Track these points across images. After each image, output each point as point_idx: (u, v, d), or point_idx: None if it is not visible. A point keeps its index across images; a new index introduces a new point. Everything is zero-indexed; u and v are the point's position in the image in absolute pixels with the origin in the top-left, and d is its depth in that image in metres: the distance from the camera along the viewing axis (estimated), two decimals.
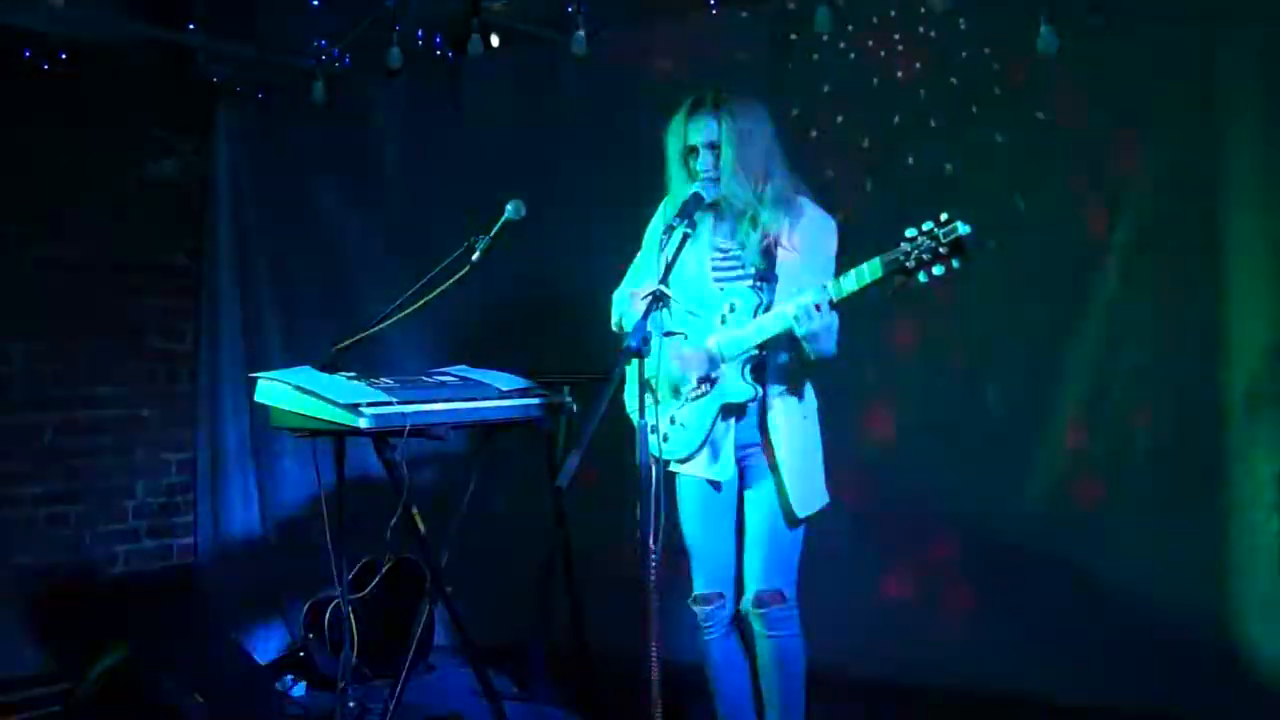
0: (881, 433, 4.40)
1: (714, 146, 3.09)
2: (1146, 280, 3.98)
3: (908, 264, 2.74)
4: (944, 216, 2.71)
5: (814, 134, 4.45)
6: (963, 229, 2.68)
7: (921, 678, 4.27)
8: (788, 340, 3.01)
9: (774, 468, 3.09)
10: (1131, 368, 4.01)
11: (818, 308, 2.86)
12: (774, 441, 3.09)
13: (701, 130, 3.10)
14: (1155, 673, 3.87)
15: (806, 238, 3.10)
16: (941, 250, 2.70)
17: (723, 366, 3.07)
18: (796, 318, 2.87)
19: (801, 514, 3.09)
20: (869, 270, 2.82)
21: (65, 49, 4.93)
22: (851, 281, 2.85)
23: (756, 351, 3.05)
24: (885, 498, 4.39)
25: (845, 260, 3.12)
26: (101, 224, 5.33)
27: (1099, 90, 4.03)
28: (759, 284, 3.09)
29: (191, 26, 4.88)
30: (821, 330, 2.89)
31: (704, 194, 3.06)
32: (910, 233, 2.75)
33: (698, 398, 3.11)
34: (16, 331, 5.04)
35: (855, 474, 4.36)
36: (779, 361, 3.10)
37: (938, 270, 2.73)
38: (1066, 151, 4.10)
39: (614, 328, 3.36)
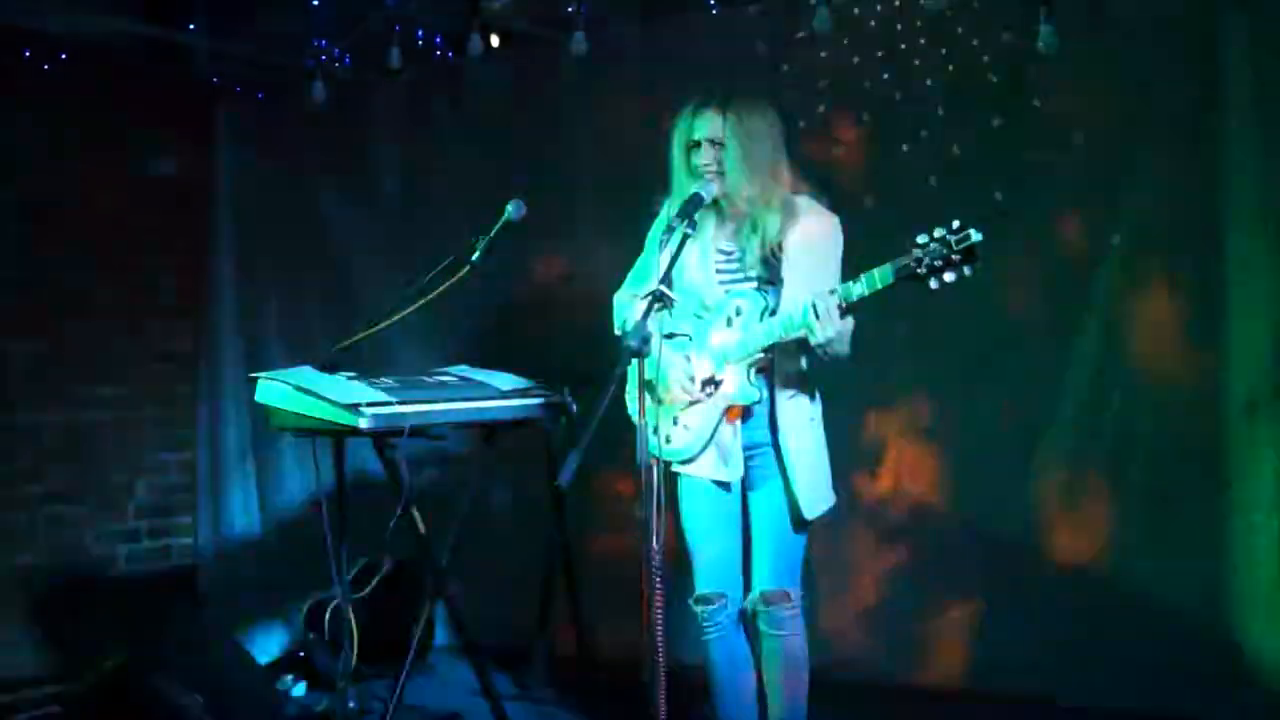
0: (882, 433, 4.40)
1: (717, 143, 3.08)
2: (1146, 280, 3.99)
3: (919, 270, 2.73)
4: (956, 224, 2.70)
5: (813, 134, 4.45)
6: (976, 236, 2.66)
7: (922, 678, 4.27)
8: (796, 343, 3.00)
9: (783, 470, 3.08)
10: (1132, 368, 4.01)
11: (829, 314, 2.85)
12: (783, 444, 3.08)
13: (706, 126, 3.09)
14: (1155, 673, 3.87)
15: (811, 239, 3.08)
16: (954, 257, 2.69)
17: (728, 369, 3.07)
18: (810, 326, 2.87)
19: (810, 516, 3.08)
20: (879, 276, 2.81)
21: (65, 49, 4.93)
22: (862, 287, 2.83)
23: (763, 354, 3.05)
24: (885, 498, 4.39)
25: (848, 260, 3.12)
26: (101, 224, 5.33)
27: (1098, 89, 4.03)
28: (764, 286, 3.09)
29: (191, 26, 4.88)
30: (836, 336, 2.88)
31: (704, 194, 3.05)
32: (921, 239, 2.73)
33: (703, 399, 3.11)
34: (16, 331, 5.04)
35: (856, 475, 4.37)
36: (787, 364, 3.09)
37: (949, 276, 2.71)
38: (1066, 151, 4.10)
39: (616, 330, 3.35)
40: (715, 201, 3.12)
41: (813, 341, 2.89)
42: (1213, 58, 3.83)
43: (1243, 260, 3.81)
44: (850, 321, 2.92)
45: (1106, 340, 4.04)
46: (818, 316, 2.85)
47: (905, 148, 4.33)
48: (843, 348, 2.95)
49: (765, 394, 3.07)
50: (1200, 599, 3.86)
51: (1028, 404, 4.17)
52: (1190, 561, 3.87)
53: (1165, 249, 3.95)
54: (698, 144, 3.11)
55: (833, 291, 2.87)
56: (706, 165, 3.09)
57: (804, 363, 3.08)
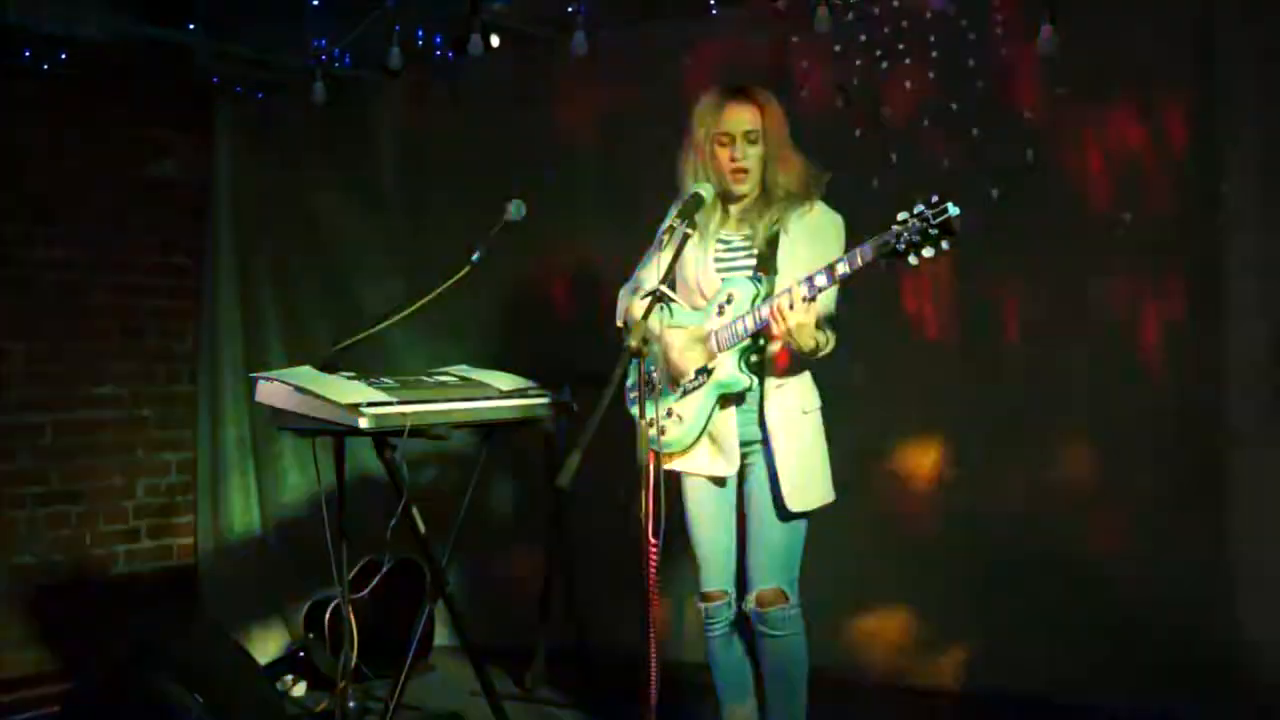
0: (882, 432, 4.40)
1: (751, 136, 3.09)
2: (1147, 280, 3.99)
3: (898, 246, 2.74)
4: (934, 198, 2.71)
5: (812, 133, 4.45)
6: (953, 210, 2.68)
7: (922, 678, 4.27)
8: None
9: (770, 462, 3.08)
10: (1132, 368, 4.01)
11: (791, 306, 2.86)
12: (770, 435, 3.08)
13: (741, 119, 3.09)
14: (1155, 673, 3.87)
15: (814, 232, 3.09)
16: (931, 231, 2.70)
17: (719, 357, 3.07)
18: (773, 315, 2.88)
19: (795, 509, 3.06)
20: (860, 254, 2.82)
21: (65, 49, 4.93)
22: (844, 265, 2.84)
23: (751, 341, 3.05)
24: (885, 497, 4.39)
25: None
26: (101, 224, 5.33)
27: (1098, 88, 4.03)
28: (758, 274, 3.09)
29: (191, 26, 4.88)
30: (795, 328, 2.88)
31: (704, 195, 3.06)
32: (901, 216, 2.75)
33: (695, 389, 3.11)
34: (16, 331, 5.04)
35: (855, 474, 4.36)
36: (775, 354, 3.10)
37: (927, 252, 2.72)
38: (1066, 149, 4.10)
39: (618, 323, 3.36)
40: (720, 194, 3.13)
41: (775, 331, 2.90)
42: (1213, 57, 3.83)
43: (1243, 260, 3.82)
44: (813, 315, 2.90)
45: (1107, 340, 4.04)
46: (780, 310, 2.86)
47: (903, 146, 4.34)
48: (805, 341, 2.92)
49: (754, 381, 3.07)
50: (1200, 599, 3.85)
51: (1028, 404, 4.17)
52: (1190, 561, 3.87)
53: (1165, 249, 3.95)
54: (731, 137, 3.10)
55: (799, 283, 2.87)
56: (739, 159, 3.08)
57: (792, 352, 3.07)
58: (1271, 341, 3.78)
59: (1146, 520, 3.96)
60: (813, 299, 2.87)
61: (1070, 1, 3.94)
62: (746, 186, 3.12)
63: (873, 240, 2.79)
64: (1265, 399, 3.79)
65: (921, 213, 2.71)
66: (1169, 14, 3.91)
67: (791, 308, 2.86)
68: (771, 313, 2.89)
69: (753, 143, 3.10)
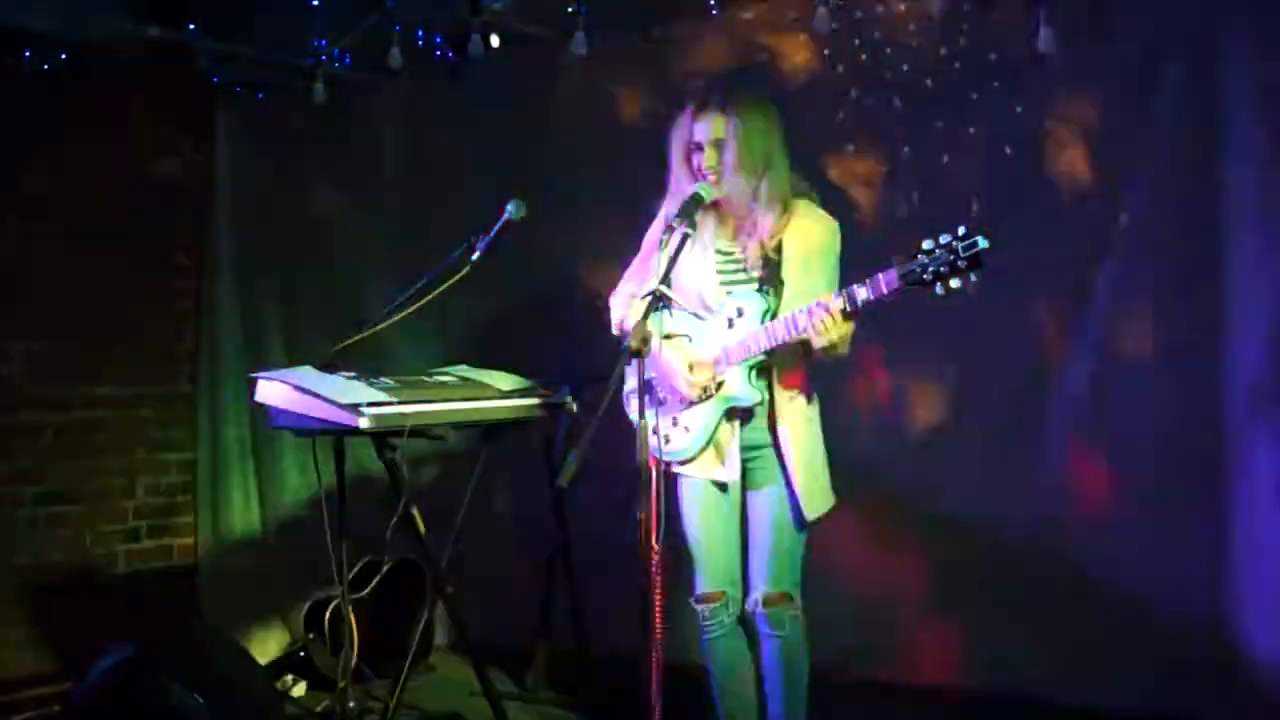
0: (882, 433, 4.40)
1: (719, 144, 3.08)
2: (1146, 279, 3.98)
3: (925, 276, 2.75)
4: (961, 230, 2.71)
5: (813, 133, 4.45)
6: (983, 244, 2.68)
7: (922, 678, 4.27)
8: (795, 345, 3.01)
9: (784, 470, 3.09)
10: (1132, 367, 4.01)
11: (833, 318, 2.87)
12: (783, 444, 3.09)
13: (709, 127, 3.08)
14: (1155, 673, 3.87)
15: (810, 241, 3.09)
16: (960, 264, 2.71)
17: (729, 370, 3.07)
18: (815, 330, 2.89)
19: (812, 516, 3.10)
20: (885, 281, 2.82)
21: (65, 49, 4.93)
22: (868, 292, 2.84)
23: (765, 356, 3.05)
24: (885, 498, 4.39)
25: (848, 262, 3.12)
26: (101, 224, 5.33)
27: (1098, 88, 4.03)
28: (765, 287, 3.09)
29: (191, 26, 4.88)
30: (839, 340, 2.91)
31: (704, 194, 3.06)
32: (927, 244, 2.74)
33: (703, 400, 3.11)
34: (16, 331, 5.04)
35: (856, 474, 4.36)
36: (786, 365, 3.10)
37: (955, 283, 2.73)
38: (1066, 149, 4.10)
39: (614, 329, 3.35)
40: (715, 202, 3.12)
41: (815, 346, 2.91)
42: (1213, 56, 3.83)
43: (1243, 260, 3.81)
44: (851, 324, 2.93)
45: (1107, 340, 4.04)
46: (826, 325, 2.86)
47: (906, 149, 4.34)
48: (844, 349, 2.96)
49: (765, 395, 3.08)
50: (1200, 599, 3.85)
51: (1027, 404, 4.17)
52: (1190, 561, 3.86)
53: (1165, 248, 3.95)
54: (699, 146, 3.10)
55: (837, 297, 2.88)
56: (710, 168, 3.08)
57: (801, 363, 3.08)
58: (1272, 341, 3.77)
59: (1147, 521, 3.96)
60: (854, 313, 2.88)
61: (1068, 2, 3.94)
62: (719, 192, 3.10)
63: (899, 268, 2.79)
64: (1265, 400, 3.79)
65: (950, 244, 2.71)
66: (1170, 11, 3.91)
67: (830, 317, 2.87)
68: (814, 327, 2.89)
69: (720, 149, 3.08)
